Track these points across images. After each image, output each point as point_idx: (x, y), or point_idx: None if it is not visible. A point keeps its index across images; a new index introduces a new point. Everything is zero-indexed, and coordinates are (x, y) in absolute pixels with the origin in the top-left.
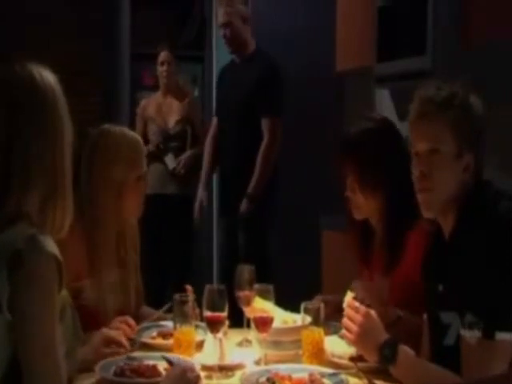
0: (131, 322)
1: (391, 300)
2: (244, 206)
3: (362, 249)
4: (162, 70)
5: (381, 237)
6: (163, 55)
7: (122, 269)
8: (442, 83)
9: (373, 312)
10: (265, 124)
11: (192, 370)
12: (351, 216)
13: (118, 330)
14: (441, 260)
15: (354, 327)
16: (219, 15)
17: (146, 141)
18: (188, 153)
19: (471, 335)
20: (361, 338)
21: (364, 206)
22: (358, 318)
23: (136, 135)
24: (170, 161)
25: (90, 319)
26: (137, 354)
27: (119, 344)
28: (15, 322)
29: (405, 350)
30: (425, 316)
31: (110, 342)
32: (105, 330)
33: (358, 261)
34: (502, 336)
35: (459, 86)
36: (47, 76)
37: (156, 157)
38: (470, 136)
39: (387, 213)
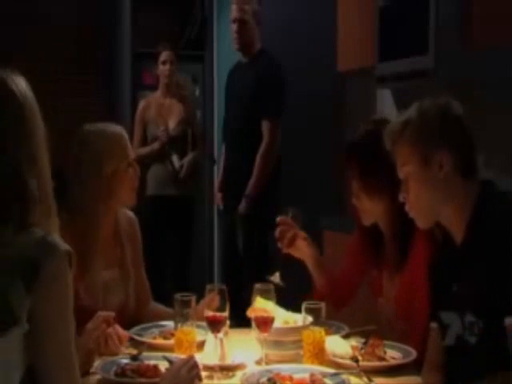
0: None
1: (398, 297)
2: (243, 206)
3: (372, 252)
4: (164, 69)
5: (390, 237)
6: (165, 55)
7: (121, 268)
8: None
9: None
10: (264, 125)
11: (186, 362)
12: (360, 222)
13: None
14: (452, 260)
15: None
16: (233, 10)
17: (145, 143)
18: (190, 156)
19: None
20: None
21: (371, 210)
22: None
23: (118, 127)
24: (176, 160)
25: (88, 320)
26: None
27: (96, 327)
28: (35, 329)
29: None
30: (434, 324)
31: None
32: (85, 326)
33: (367, 263)
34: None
35: (429, 100)
36: (21, 83)
37: (158, 158)
38: (434, 136)
39: (395, 213)
